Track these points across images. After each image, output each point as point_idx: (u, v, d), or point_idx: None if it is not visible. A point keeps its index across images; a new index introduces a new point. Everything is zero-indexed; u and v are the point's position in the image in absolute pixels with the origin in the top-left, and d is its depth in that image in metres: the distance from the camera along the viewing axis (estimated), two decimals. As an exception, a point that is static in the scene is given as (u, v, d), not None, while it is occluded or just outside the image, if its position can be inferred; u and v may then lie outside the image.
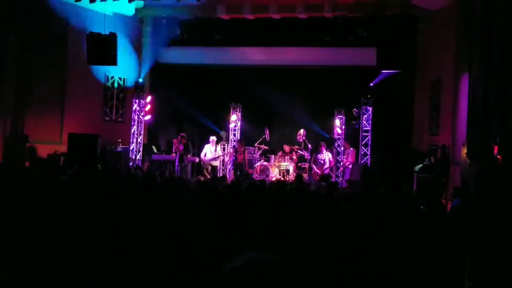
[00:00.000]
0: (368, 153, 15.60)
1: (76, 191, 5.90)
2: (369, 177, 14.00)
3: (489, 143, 9.46)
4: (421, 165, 13.54)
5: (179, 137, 15.93)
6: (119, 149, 16.27)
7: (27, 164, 14.00)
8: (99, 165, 13.90)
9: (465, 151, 10.64)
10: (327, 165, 15.79)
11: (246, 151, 16.14)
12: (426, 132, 15.50)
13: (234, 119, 17.02)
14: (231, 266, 1.88)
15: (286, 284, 1.86)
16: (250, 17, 17.01)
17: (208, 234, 4.34)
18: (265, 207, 5.59)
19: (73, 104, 16.20)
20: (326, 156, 15.84)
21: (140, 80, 17.15)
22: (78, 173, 8.35)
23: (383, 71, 15.44)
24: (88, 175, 7.77)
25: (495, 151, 9.13)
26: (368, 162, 15.56)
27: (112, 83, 17.54)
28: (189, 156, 16.09)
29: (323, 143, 15.92)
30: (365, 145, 15.69)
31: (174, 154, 15.92)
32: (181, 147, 15.66)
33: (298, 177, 12.13)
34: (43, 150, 15.25)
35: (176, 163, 15.67)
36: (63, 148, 15.48)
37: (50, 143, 15.55)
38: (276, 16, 16.80)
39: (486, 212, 5.45)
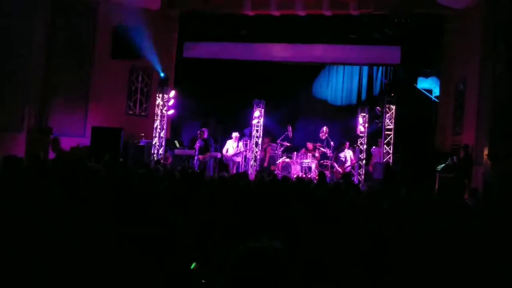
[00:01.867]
0: (391, 152, 15.46)
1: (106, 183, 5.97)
2: (391, 176, 13.88)
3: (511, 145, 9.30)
4: (444, 164, 13.39)
5: (198, 132, 15.94)
6: (142, 143, 16.38)
7: (50, 156, 14.22)
8: (121, 159, 13.99)
9: (487, 153, 10.49)
10: (348, 163, 15.70)
11: (268, 148, 16.15)
12: (449, 132, 15.31)
13: (257, 115, 17.00)
14: (234, 253, 1.98)
15: (282, 268, 1.93)
16: (276, 13, 16.97)
17: (228, 229, 4.35)
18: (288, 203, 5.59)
19: (97, 97, 16.34)
20: (347, 154, 15.75)
21: (163, 74, 17.20)
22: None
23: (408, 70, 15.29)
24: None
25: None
26: (391, 161, 15.41)
27: (137, 77, 17.66)
28: (211, 151, 16.11)
29: (347, 142, 15.84)
30: (388, 144, 15.55)
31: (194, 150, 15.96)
32: (199, 143, 15.64)
33: (321, 175, 12.08)
34: (67, 143, 15.45)
35: (195, 159, 15.67)
36: (86, 142, 15.65)
37: (73, 136, 15.74)
38: (302, 13, 16.73)
39: (507, 215, 5.38)
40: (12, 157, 7.70)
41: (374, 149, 16.12)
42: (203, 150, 15.68)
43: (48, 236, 2.72)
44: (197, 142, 15.67)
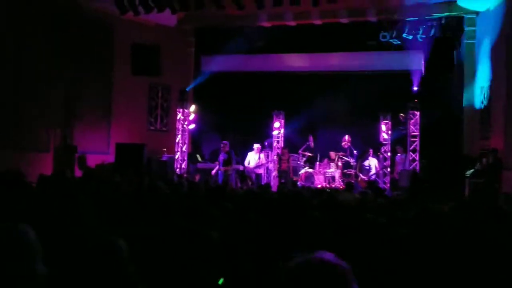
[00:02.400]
0: (417, 159, 15.24)
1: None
2: (418, 184, 13.66)
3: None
4: (473, 170, 13.13)
5: (221, 145, 15.89)
6: (164, 158, 16.40)
7: (76, 174, 14.28)
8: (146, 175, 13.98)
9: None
10: (373, 171, 15.52)
11: (290, 158, 16.01)
12: (477, 136, 15.03)
13: (278, 126, 16.92)
14: (293, 263, 1.93)
15: (343, 281, 1.89)
16: (292, 23, 16.95)
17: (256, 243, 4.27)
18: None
19: (119, 114, 16.47)
20: (372, 162, 15.58)
21: (184, 89, 17.24)
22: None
23: (431, 75, 15.10)
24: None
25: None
26: (417, 168, 15.18)
27: (157, 93, 17.74)
28: (232, 164, 16.04)
29: (370, 149, 15.67)
30: (413, 151, 15.34)
31: (217, 163, 15.90)
32: (223, 156, 15.58)
33: (348, 185, 11.90)
34: (92, 160, 15.54)
35: (218, 172, 15.63)
36: (110, 158, 15.71)
37: (98, 153, 15.83)
38: (318, 22, 16.68)
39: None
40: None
41: (397, 156, 15.93)
42: (226, 162, 15.63)
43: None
44: (220, 155, 15.62)
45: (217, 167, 15.77)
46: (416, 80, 15.70)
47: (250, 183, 15.68)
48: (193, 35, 18.30)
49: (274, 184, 15.96)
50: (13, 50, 13.69)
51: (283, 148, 16.43)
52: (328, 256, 1.93)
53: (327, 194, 8.73)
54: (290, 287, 1.87)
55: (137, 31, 16.38)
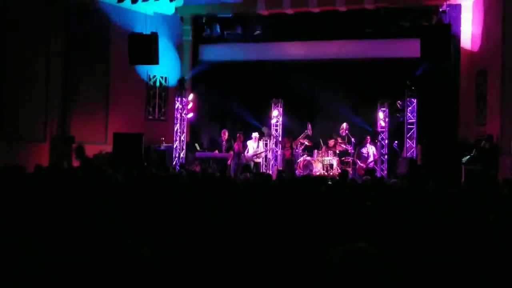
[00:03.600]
0: (414, 146, 15.31)
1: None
2: (416, 171, 13.76)
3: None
4: (469, 156, 13.22)
5: (238, 135, 16.09)
6: (162, 147, 16.43)
7: (73, 164, 14.31)
8: (145, 163, 14.05)
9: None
10: (371, 159, 15.58)
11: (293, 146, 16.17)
12: (473, 123, 15.11)
13: (276, 115, 16.94)
14: (334, 253, 2.00)
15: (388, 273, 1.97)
16: (290, 11, 16.92)
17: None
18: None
19: (117, 104, 16.46)
20: (370, 149, 15.63)
21: (182, 78, 17.23)
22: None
23: (427, 62, 15.11)
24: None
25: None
26: (414, 155, 15.26)
27: (154, 82, 17.74)
28: (231, 152, 16.14)
29: (368, 137, 15.72)
30: (411, 138, 15.42)
31: (231, 152, 16.08)
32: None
33: (343, 173, 12.00)
34: (89, 150, 15.55)
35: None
36: (108, 148, 15.74)
37: (95, 143, 15.85)
38: (316, 10, 16.66)
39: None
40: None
41: (396, 144, 15.98)
42: (227, 150, 15.95)
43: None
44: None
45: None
46: (413, 67, 15.71)
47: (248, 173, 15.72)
48: (191, 24, 18.24)
49: (273, 172, 16.05)
50: (10, 41, 13.65)
51: (284, 137, 16.51)
52: (370, 247, 2.00)
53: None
54: (341, 275, 1.92)
55: (135, 20, 16.33)
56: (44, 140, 14.70)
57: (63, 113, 15.31)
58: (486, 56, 14.11)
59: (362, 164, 15.43)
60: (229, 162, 16.15)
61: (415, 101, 15.39)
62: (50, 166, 10.79)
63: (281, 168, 15.91)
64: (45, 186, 6.38)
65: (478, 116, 14.73)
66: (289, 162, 16.25)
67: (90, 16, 15.73)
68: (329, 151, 16.05)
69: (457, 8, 15.54)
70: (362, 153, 15.58)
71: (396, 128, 16.12)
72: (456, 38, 15.49)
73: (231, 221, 4.37)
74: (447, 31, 14.19)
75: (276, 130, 16.96)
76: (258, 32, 17.39)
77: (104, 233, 2.77)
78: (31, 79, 14.06)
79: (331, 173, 15.39)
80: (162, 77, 17.83)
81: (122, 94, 16.58)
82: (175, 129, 16.86)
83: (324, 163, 15.90)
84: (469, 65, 15.49)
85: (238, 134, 16.31)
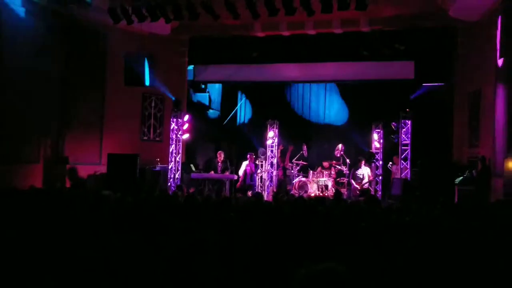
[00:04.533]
0: (408, 167, 15.34)
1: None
2: (410, 191, 13.78)
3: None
4: (462, 177, 13.29)
5: (249, 156, 16.20)
6: (157, 168, 16.40)
7: (67, 185, 14.27)
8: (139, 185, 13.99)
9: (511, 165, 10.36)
10: (366, 180, 15.59)
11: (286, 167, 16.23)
12: (466, 145, 15.19)
13: (271, 136, 16.97)
14: (300, 274, 1.97)
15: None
16: (286, 33, 17.04)
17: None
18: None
19: (111, 124, 16.45)
20: (364, 171, 15.64)
21: (177, 99, 17.26)
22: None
23: (422, 84, 15.24)
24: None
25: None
26: (408, 176, 15.29)
27: (150, 103, 17.76)
28: (227, 173, 16.15)
29: (362, 158, 15.74)
30: (405, 159, 15.46)
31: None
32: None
33: (337, 193, 11.98)
34: (83, 171, 15.51)
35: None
36: (102, 169, 15.69)
37: (89, 164, 15.80)
38: (312, 32, 16.79)
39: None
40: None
41: (390, 165, 16.02)
42: (223, 172, 15.95)
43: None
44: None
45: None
46: (408, 89, 15.84)
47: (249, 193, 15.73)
48: (187, 45, 18.33)
49: (268, 192, 16.06)
50: (5, 60, 13.64)
51: (280, 157, 16.58)
52: (339, 267, 1.97)
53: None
54: None
55: (130, 40, 16.41)
56: (38, 161, 14.63)
57: (57, 134, 15.26)
58: (479, 77, 14.20)
59: (357, 186, 15.43)
60: (238, 184, 16.28)
61: (409, 122, 15.45)
62: (40, 188, 10.77)
63: (275, 190, 15.94)
64: (35, 206, 6.39)
65: (471, 138, 14.79)
66: (281, 182, 16.35)
67: (87, 37, 15.78)
68: (325, 172, 16.08)
69: (452, 31, 15.68)
70: (357, 174, 15.59)
71: (391, 149, 16.17)
72: (451, 60, 15.65)
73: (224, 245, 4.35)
74: (442, 54, 14.34)
75: (272, 151, 16.97)
76: (254, 53, 17.50)
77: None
78: (26, 100, 14.02)
79: (326, 194, 15.39)
80: (157, 98, 17.85)
81: (117, 114, 16.56)
82: (171, 150, 16.84)
83: (319, 183, 15.92)
84: (463, 86, 15.60)
85: (249, 155, 16.41)
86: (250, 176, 16.27)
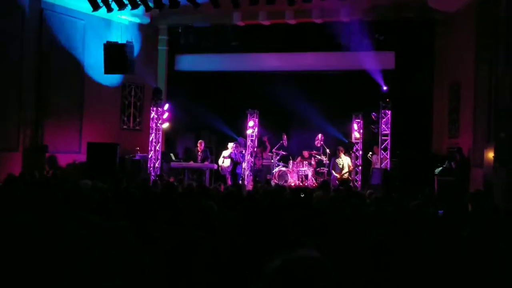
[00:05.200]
0: (388, 157, 15.46)
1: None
2: (390, 182, 13.90)
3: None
4: (441, 168, 13.42)
5: (235, 144, 16.08)
6: (137, 157, 16.32)
7: (46, 174, 14.13)
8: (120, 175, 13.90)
9: (490, 155, 10.50)
10: (345, 170, 15.66)
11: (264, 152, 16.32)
12: (445, 135, 15.35)
13: (252, 125, 16.96)
14: (274, 263, 1.95)
15: (326, 278, 1.92)
16: (266, 23, 17.03)
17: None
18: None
19: (91, 113, 16.31)
20: (344, 160, 15.72)
21: (157, 87, 17.16)
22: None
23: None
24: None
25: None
26: (388, 166, 15.41)
27: (129, 92, 17.64)
28: (206, 162, 16.12)
29: (340, 148, 15.81)
30: (385, 149, 15.56)
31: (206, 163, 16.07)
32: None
33: (324, 183, 11.94)
34: (63, 160, 15.38)
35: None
36: (82, 158, 15.57)
37: (69, 153, 15.68)
38: (292, 22, 16.79)
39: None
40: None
41: (370, 155, 16.11)
42: (202, 161, 15.90)
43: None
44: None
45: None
46: (388, 79, 15.92)
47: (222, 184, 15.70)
48: (167, 34, 18.22)
49: (248, 182, 16.06)
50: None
51: (257, 147, 16.57)
52: (313, 253, 1.97)
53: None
54: (278, 285, 1.90)
55: (110, 29, 16.24)
56: (17, 149, 14.48)
57: (36, 122, 15.09)
58: (459, 68, 14.34)
59: (336, 175, 15.51)
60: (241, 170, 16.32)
61: (389, 113, 15.55)
62: (20, 176, 10.68)
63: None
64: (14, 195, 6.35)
65: (451, 128, 14.95)
66: (259, 172, 16.42)
67: (65, 25, 15.59)
68: (304, 162, 16.15)
69: (431, 22, 15.80)
70: (337, 164, 15.66)
71: (371, 139, 16.26)
72: (430, 51, 15.79)
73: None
74: (421, 45, 14.44)
75: (252, 141, 16.97)
76: (234, 42, 17.47)
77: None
78: (4, 88, 13.85)
79: (306, 184, 15.47)
80: (137, 87, 17.73)
81: (97, 103, 16.43)
82: (150, 139, 16.75)
83: (299, 173, 15.98)
84: (443, 77, 15.75)
85: (235, 144, 16.29)
86: (234, 166, 16.19)
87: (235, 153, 16.08)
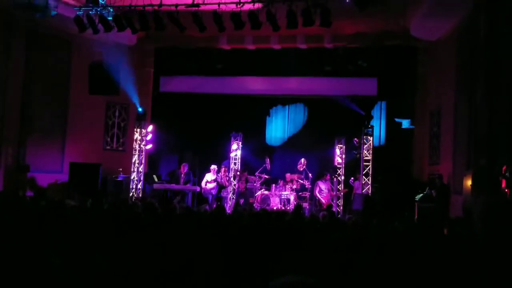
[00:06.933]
0: (370, 183, 15.56)
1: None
2: (371, 207, 13.98)
3: (496, 175, 9.43)
4: (422, 194, 13.55)
5: (224, 168, 16.11)
6: (120, 178, 16.27)
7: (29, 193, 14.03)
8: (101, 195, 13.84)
9: (470, 183, 10.62)
10: (324, 194, 15.69)
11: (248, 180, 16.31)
12: (426, 162, 15.54)
13: (235, 148, 17.01)
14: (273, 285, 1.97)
15: None
16: (251, 47, 17.19)
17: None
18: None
19: (74, 133, 16.30)
20: (322, 186, 15.76)
21: (141, 109, 17.19)
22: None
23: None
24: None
25: (503, 185, 9.12)
26: (370, 192, 15.50)
27: (114, 112, 17.64)
28: (189, 185, 16.11)
29: (327, 173, 15.90)
30: (366, 175, 15.67)
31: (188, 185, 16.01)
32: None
33: (297, 207, 12.02)
34: (44, 180, 15.29)
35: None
36: (64, 177, 15.50)
37: (51, 173, 15.59)
38: (277, 47, 16.98)
39: (493, 246, 5.46)
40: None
41: (352, 181, 16.18)
42: (185, 184, 15.88)
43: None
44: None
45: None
46: (370, 105, 16.12)
47: (206, 205, 15.68)
48: (153, 55, 18.32)
49: (230, 205, 16.07)
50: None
51: (242, 171, 16.60)
52: (310, 280, 2.01)
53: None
54: None
55: (95, 49, 16.29)
56: (-1, 168, 14.41)
57: (19, 141, 15.02)
58: (440, 95, 14.58)
59: (323, 200, 15.53)
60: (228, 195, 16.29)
61: (371, 138, 15.69)
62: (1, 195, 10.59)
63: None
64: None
65: (432, 155, 15.14)
66: (242, 195, 16.43)
67: (51, 45, 15.62)
68: (287, 186, 16.18)
69: (413, 50, 16.09)
70: (321, 188, 15.72)
71: (353, 165, 16.37)
72: (412, 78, 16.05)
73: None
74: (403, 72, 14.66)
75: (235, 163, 17.00)
76: (219, 66, 17.59)
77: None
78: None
79: (288, 208, 15.48)
80: (121, 107, 17.75)
81: (80, 123, 16.43)
82: (133, 160, 16.73)
83: (281, 197, 16.00)
84: (424, 104, 15.99)
85: (223, 167, 16.38)
86: (219, 189, 16.22)
87: (221, 177, 16.10)
